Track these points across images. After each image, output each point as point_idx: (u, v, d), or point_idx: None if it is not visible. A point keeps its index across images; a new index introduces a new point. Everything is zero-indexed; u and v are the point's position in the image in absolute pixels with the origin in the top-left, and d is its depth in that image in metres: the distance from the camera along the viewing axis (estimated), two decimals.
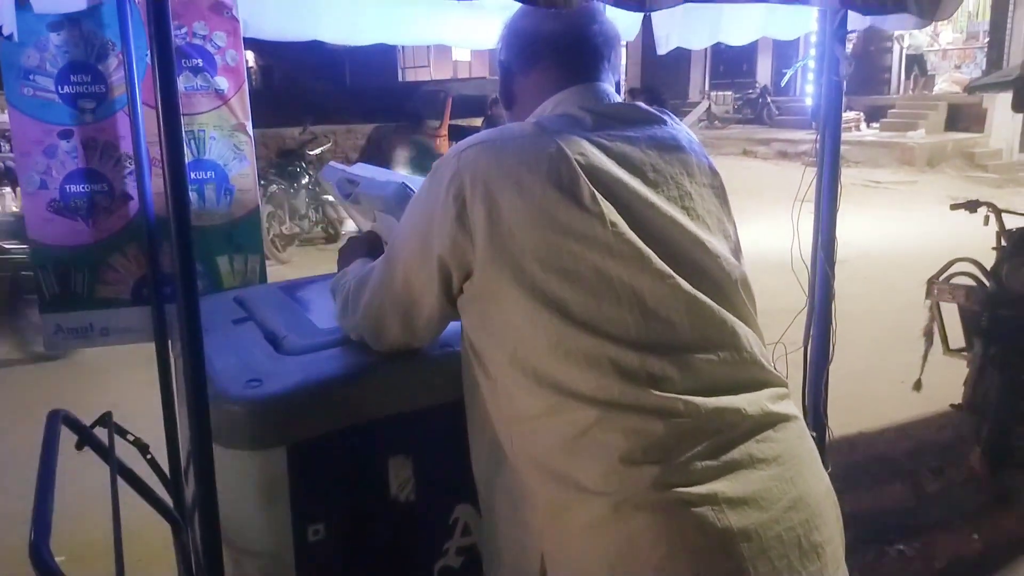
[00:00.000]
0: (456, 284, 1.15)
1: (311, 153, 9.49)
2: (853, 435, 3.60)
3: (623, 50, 1.30)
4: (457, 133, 10.23)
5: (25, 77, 2.02)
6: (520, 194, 1.08)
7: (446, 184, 1.12)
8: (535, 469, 1.09)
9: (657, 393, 1.03)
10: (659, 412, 1.02)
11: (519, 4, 1.18)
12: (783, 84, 16.97)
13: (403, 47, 18.04)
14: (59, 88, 2.05)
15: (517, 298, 1.07)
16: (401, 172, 1.73)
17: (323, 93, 15.96)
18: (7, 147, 7.89)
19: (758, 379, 1.12)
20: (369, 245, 1.62)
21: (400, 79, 19.43)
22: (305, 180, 8.82)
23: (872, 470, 3.40)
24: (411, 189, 1.56)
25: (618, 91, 1.30)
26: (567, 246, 1.06)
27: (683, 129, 1.27)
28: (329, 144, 10.26)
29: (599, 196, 1.08)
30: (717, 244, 1.17)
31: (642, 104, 1.27)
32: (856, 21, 1.78)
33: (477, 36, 2.67)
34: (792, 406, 1.16)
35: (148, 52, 2.02)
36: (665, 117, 1.26)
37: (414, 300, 1.22)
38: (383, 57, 18.00)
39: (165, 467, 2.16)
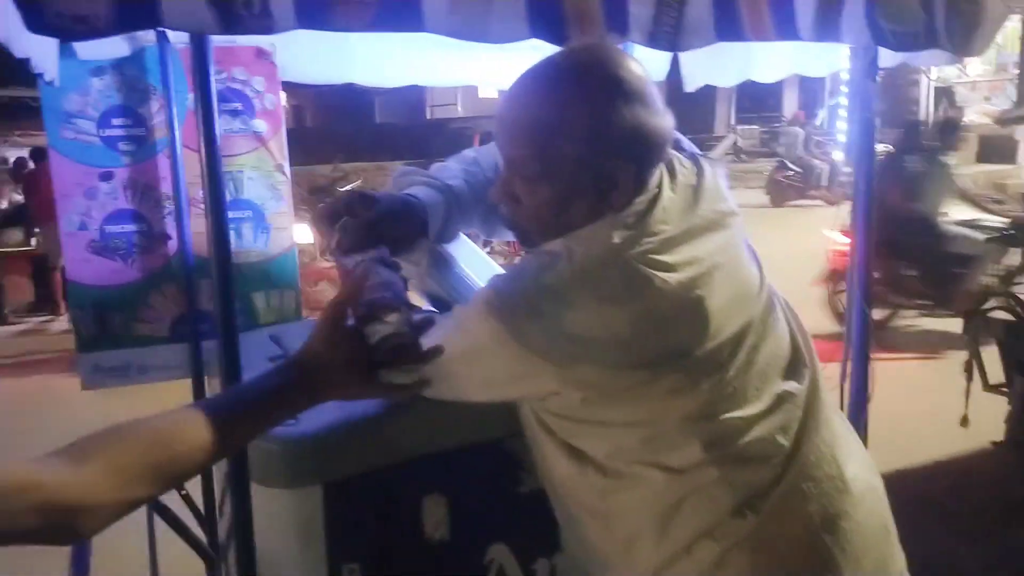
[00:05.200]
0: (523, 399, 1.15)
1: (341, 190, 9.64)
2: (891, 473, 3.50)
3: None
4: None
5: (67, 121, 2.08)
6: (612, 335, 1.02)
7: (512, 345, 1.03)
8: (631, 534, 1.10)
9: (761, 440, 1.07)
10: (761, 458, 1.07)
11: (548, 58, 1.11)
12: (818, 124, 16.98)
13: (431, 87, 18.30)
14: (100, 131, 2.10)
15: (622, 408, 1.05)
16: None
17: (353, 132, 16.22)
18: None
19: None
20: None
21: (429, 116, 19.69)
22: None
23: (908, 510, 3.30)
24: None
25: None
26: (674, 359, 1.03)
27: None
28: (359, 181, 10.41)
29: (692, 292, 1.03)
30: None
31: (678, 157, 1.16)
32: (887, 58, 1.78)
33: (505, 76, 2.69)
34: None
35: (189, 96, 2.07)
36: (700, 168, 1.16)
37: (461, 398, 1.18)
38: (411, 96, 18.28)
39: (199, 503, 2.18)
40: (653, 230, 1.05)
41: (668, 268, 1.03)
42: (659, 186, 1.09)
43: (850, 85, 1.90)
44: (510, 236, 1.32)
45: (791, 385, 1.10)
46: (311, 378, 0.93)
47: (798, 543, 1.06)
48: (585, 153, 1.05)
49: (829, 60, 2.29)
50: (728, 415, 1.04)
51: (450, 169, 1.38)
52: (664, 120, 1.08)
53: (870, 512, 1.13)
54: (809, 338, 1.19)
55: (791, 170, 13.47)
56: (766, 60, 2.22)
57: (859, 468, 1.15)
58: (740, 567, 1.05)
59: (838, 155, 13.05)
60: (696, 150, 1.22)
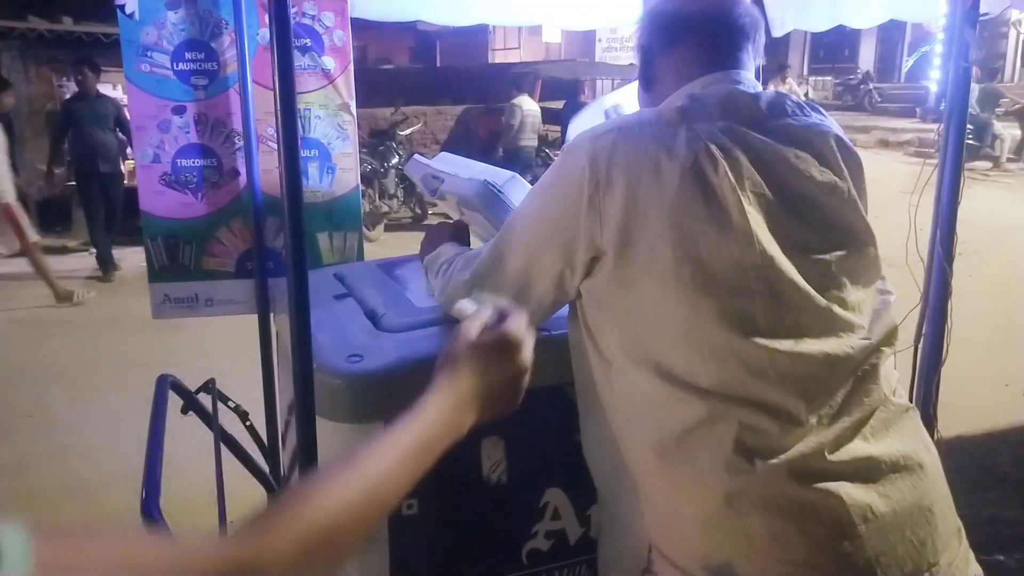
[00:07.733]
0: (580, 268, 1.14)
1: (402, 133, 9.63)
2: (952, 439, 3.43)
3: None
4: (546, 116, 10.18)
5: (143, 54, 2.10)
6: (658, 182, 1.06)
7: (581, 168, 1.11)
8: (646, 457, 1.09)
9: (782, 391, 1.03)
10: (779, 408, 1.02)
11: None
12: (906, 69, 16.22)
13: (494, 29, 18.05)
14: (174, 65, 2.12)
15: (647, 288, 1.07)
16: (482, 165, 1.70)
17: (414, 74, 16.13)
18: None
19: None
20: (457, 232, 1.62)
21: (490, 61, 19.45)
22: (395, 160, 8.96)
23: (973, 477, 3.24)
24: (493, 185, 1.53)
25: (758, 76, 1.26)
26: (704, 235, 1.04)
27: (828, 122, 1.21)
28: (419, 125, 10.37)
29: (737, 187, 1.05)
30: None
31: (789, 94, 1.23)
32: (991, 3, 1.67)
33: (574, 16, 2.64)
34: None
35: (260, 31, 2.08)
36: (808, 108, 1.21)
37: (528, 284, 1.21)
38: (474, 39, 18.07)
39: (262, 433, 2.24)
40: (725, 120, 1.11)
41: (724, 150, 1.07)
42: (753, 98, 1.15)
43: (947, 31, 1.78)
44: None
45: (837, 346, 1.06)
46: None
47: (813, 511, 1.01)
48: (641, 37, 1.28)
49: (930, 3, 2.14)
50: (753, 341, 1.02)
51: None
52: (704, 8, 1.23)
53: (908, 493, 1.06)
54: (892, 317, 1.15)
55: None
56: (860, 3, 2.09)
57: (902, 445, 1.08)
58: (751, 522, 1.01)
59: None
60: (839, 131, 1.22)
